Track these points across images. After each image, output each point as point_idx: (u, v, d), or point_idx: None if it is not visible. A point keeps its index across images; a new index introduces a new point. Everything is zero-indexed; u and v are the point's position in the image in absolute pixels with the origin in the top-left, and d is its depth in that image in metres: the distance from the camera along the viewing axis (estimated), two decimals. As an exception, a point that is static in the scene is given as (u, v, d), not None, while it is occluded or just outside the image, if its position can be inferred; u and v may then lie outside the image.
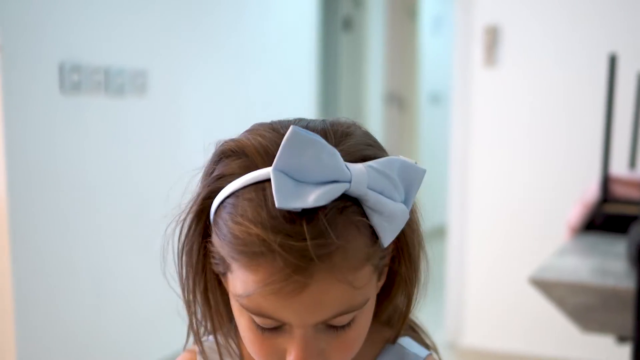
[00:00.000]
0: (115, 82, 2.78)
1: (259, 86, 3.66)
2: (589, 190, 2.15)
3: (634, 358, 1.56)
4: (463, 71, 3.31)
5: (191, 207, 0.75)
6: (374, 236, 0.70)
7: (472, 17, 3.26)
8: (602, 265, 1.76)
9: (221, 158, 0.73)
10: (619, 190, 2.15)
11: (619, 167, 2.45)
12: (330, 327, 0.72)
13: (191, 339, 0.84)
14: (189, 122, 3.13)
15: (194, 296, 0.78)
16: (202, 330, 0.82)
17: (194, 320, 0.81)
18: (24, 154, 2.42)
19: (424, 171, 0.72)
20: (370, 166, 0.69)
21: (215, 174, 0.73)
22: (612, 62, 2.12)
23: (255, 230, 0.66)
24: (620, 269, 1.72)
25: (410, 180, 0.71)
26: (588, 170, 2.88)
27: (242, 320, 0.74)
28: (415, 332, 0.89)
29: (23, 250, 2.42)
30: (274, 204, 0.65)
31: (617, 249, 1.93)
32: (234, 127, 0.81)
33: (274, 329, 0.71)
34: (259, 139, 0.72)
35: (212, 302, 0.79)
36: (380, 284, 0.79)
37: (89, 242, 2.70)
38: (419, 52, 5.98)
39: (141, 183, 2.93)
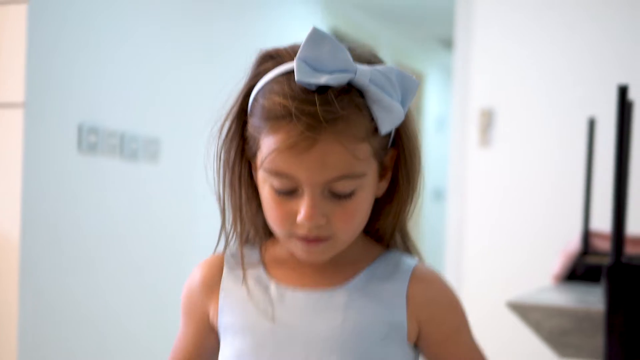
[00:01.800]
0: (129, 147, 2.96)
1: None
2: (571, 242, 2.28)
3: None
4: (460, 150, 3.48)
5: (231, 109, 0.96)
6: (374, 124, 0.90)
7: (469, 100, 3.45)
8: (579, 297, 1.86)
9: (259, 62, 0.94)
10: (599, 244, 2.28)
11: (603, 224, 2.57)
12: (334, 197, 0.90)
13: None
14: (199, 190, 3.29)
15: (232, 191, 0.98)
16: (231, 234, 1.00)
17: (226, 222, 0.99)
18: (38, 205, 2.55)
19: (418, 83, 0.93)
20: (373, 67, 0.89)
21: (252, 74, 0.94)
22: (591, 125, 2.28)
23: (278, 99, 0.88)
24: (595, 299, 1.82)
25: (406, 86, 0.92)
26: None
27: (264, 191, 0.93)
28: (406, 247, 1.04)
29: (31, 298, 2.52)
30: (295, 84, 0.87)
31: (594, 291, 2.04)
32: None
33: (288, 193, 0.90)
34: (292, 46, 0.93)
35: (242, 196, 0.97)
36: (382, 185, 0.97)
37: (95, 293, 2.80)
38: (423, 149, 6.17)
39: (149, 243, 3.06)
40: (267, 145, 0.89)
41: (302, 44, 0.87)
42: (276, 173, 0.89)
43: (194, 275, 1.03)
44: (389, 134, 0.94)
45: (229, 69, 3.12)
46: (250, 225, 1.00)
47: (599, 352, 1.73)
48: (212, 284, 1.00)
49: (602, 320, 1.69)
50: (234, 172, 0.97)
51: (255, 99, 0.92)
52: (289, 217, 0.91)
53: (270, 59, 0.94)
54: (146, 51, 3.05)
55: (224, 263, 1.01)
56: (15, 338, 2.47)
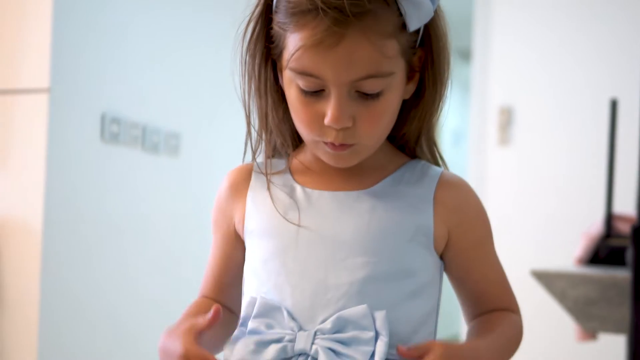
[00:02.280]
0: (151, 140, 2.98)
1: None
2: (594, 225, 2.27)
3: (630, 345, 1.63)
4: (479, 149, 3.48)
5: (255, 9, 0.94)
6: (402, 20, 0.88)
7: (487, 99, 3.46)
8: (603, 269, 1.85)
9: None
10: (622, 227, 2.26)
11: (626, 207, 2.56)
12: (361, 97, 0.89)
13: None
14: (218, 186, 3.30)
15: (258, 96, 0.97)
16: (257, 143, 1.01)
17: (251, 130, 1.00)
18: (61, 193, 2.57)
19: None
20: None
21: None
22: (614, 106, 2.28)
23: None
24: (621, 272, 1.81)
25: None
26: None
27: (291, 92, 0.92)
28: (433, 155, 1.03)
29: (52, 287, 2.53)
30: None
31: (619, 271, 2.03)
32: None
33: (315, 94, 0.89)
34: None
35: (268, 101, 0.97)
36: (410, 88, 0.96)
37: (116, 282, 2.81)
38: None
39: (168, 235, 3.07)
40: (292, 42, 0.87)
41: None
42: (302, 72, 0.88)
43: (223, 183, 1.04)
44: (417, 33, 0.93)
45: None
46: (277, 133, 1.00)
47: (624, 325, 1.72)
48: (239, 189, 1.02)
49: (629, 287, 1.68)
50: (260, 77, 0.97)
51: (277, 2, 0.91)
52: (316, 120, 0.90)
53: None
54: (171, 46, 3.08)
55: (253, 170, 1.02)
56: (36, 327, 2.47)
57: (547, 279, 1.71)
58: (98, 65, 2.72)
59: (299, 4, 0.86)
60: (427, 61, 0.96)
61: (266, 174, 0.99)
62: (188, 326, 0.91)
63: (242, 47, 0.97)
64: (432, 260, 0.96)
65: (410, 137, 1.01)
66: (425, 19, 0.90)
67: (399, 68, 0.91)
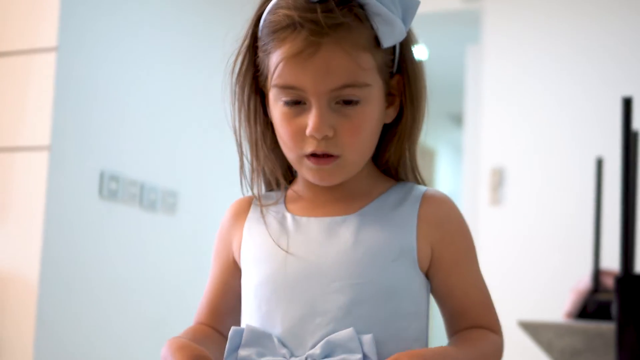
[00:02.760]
0: (148, 197, 3.03)
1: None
2: (582, 281, 2.31)
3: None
4: (471, 209, 3.54)
5: (243, 42, 1.01)
6: (376, 38, 0.95)
7: (479, 160, 3.53)
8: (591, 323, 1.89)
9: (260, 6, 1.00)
10: (609, 282, 2.31)
11: (613, 263, 2.60)
12: (341, 108, 0.94)
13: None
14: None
15: (247, 125, 1.03)
16: (249, 173, 1.06)
17: (243, 159, 1.05)
18: (58, 248, 2.60)
19: (419, 2, 0.98)
20: None
21: (260, 3, 1.00)
22: (599, 165, 2.34)
23: (282, 11, 0.94)
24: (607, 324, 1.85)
25: (406, 4, 0.97)
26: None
27: (276, 112, 0.98)
28: (416, 179, 1.07)
29: (47, 341, 2.54)
30: (295, 6, 0.93)
31: (606, 324, 2.06)
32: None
33: (297, 107, 0.95)
34: None
35: (257, 130, 1.03)
36: (390, 112, 1.01)
37: (110, 339, 2.82)
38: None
39: (162, 293, 3.09)
40: (275, 59, 0.94)
41: None
42: (284, 86, 0.94)
43: (226, 214, 1.08)
44: (393, 55, 0.99)
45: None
46: (265, 161, 1.04)
47: (611, 373, 1.75)
48: (239, 219, 1.06)
49: (614, 337, 1.72)
50: (249, 107, 1.02)
51: (264, 19, 0.97)
52: (299, 133, 0.95)
53: None
54: (169, 105, 3.16)
55: (252, 202, 1.06)
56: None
57: (534, 330, 1.75)
58: (97, 123, 2.79)
59: (278, 22, 0.93)
60: (404, 86, 1.02)
61: (259, 201, 1.04)
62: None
63: (232, 78, 1.02)
64: (418, 280, 0.98)
65: (393, 160, 1.05)
66: (398, 38, 0.96)
67: (375, 82, 0.96)
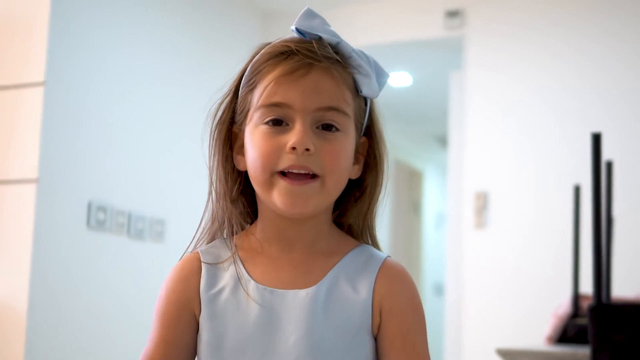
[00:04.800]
0: (136, 227, 3.07)
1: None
2: (562, 305, 2.35)
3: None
4: (456, 232, 3.58)
5: (228, 92, 1.05)
6: (355, 87, 1.01)
7: (464, 184, 3.58)
8: (567, 347, 1.93)
9: (255, 49, 1.04)
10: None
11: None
12: (321, 132, 0.98)
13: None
14: (201, 270, 3.37)
15: (220, 168, 1.04)
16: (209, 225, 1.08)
17: (211, 205, 1.07)
18: (46, 278, 2.63)
19: (389, 76, 1.04)
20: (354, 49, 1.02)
21: (249, 57, 1.04)
22: (577, 192, 2.39)
23: (279, 42, 1.00)
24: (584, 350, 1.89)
25: (379, 72, 1.03)
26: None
27: (255, 134, 0.99)
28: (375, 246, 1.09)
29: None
30: (292, 40, 0.99)
31: (584, 349, 2.10)
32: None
33: (280, 128, 0.97)
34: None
35: (230, 173, 1.04)
36: (356, 169, 1.04)
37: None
38: (423, 246, 6.28)
39: (151, 319, 3.11)
40: (265, 83, 0.98)
41: (297, 18, 1.00)
42: (272, 104, 0.97)
43: (174, 273, 1.08)
44: (364, 112, 1.04)
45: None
46: (231, 210, 1.05)
47: (588, 399, 1.79)
48: (192, 281, 1.04)
49: (589, 364, 1.76)
50: (223, 152, 1.04)
51: (253, 63, 1.01)
52: (278, 149, 0.96)
53: (264, 45, 1.04)
54: (154, 137, 3.20)
55: (201, 262, 1.05)
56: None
57: (511, 357, 1.79)
58: (84, 155, 2.83)
59: (274, 51, 0.99)
60: (369, 149, 1.06)
61: (234, 259, 1.02)
62: None
63: (212, 124, 1.04)
64: (371, 347, 0.99)
65: (353, 222, 1.07)
66: (373, 93, 1.02)
67: (351, 122, 1.01)
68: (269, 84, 0.98)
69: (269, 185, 0.98)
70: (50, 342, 2.64)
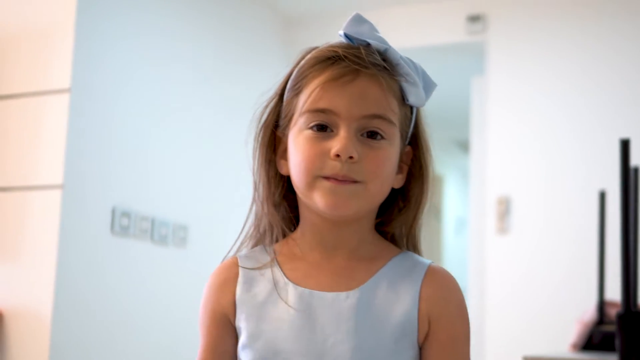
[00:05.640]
0: (159, 232, 3.08)
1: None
2: (587, 312, 2.34)
3: None
4: (478, 238, 3.57)
5: (275, 92, 1.04)
6: (403, 96, 1.00)
7: (486, 189, 3.57)
8: (594, 355, 1.92)
9: (301, 53, 1.04)
10: (614, 313, 2.33)
11: (618, 294, 2.63)
12: (366, 140, 0.97)
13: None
14: (223, 275, 3.38)
15: (263, 170, 1.04)
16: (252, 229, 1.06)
17: (255, 208, 1.05)
18: (71, 284, 2.65)
19: (436, 85, 1.03)
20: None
21: (295, 62, 1.03)
22: (602, 198, 2.38)
23: (326, 47, 1.00)
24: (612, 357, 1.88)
25: (426, 80, 1.03)
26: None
27: (299, 141, 0.98)
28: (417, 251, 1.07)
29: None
30: (339, 45, 0.99)
31: (611, 357, 2.09)
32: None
33: (325, 133, 0.97)
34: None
35: (270, 175, 1.04)
36: (399, 178, 1.03)
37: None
38: (443, 250, 6.26)
39: (176, 326, 3.13)
40: (310, 88, 0.98)
41: (345, 23, 0.99)
42: (318, 109, 0.97)
43: (211, 281, 1.07)
44: (410, 120, 1.02)
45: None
46: (273, 214, 1.04)
47: (616, 407, 1.77)
48: (228, 288, 1.03)
49: (617, 372, 1.75)
50: (266, 157, 1.03)
51: (305, 60, 1.01)
52: (322, 155, 0.96)
53: (310, 50, 1.04)
54: (177, 143, 3.22)
55: (239, 267, 1.04)
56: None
57: (539, 365, 1.78)
58: (109, 162, 2.85)
59: (321, 55, 0.99)
60: (414, 159, 1.04)
61: (271, 266, 1.02)
62: None
63: (257, 127, 1.04)
64: (414, 356, 0.98)
65: (397, 232, 1.05)
66: (420, 102, 1.01)
67: (397, 131, 0.99)
68: (315, 89, 0.97)
69: (311, 187, 0.97)
70: (75, 347, 2.66)
